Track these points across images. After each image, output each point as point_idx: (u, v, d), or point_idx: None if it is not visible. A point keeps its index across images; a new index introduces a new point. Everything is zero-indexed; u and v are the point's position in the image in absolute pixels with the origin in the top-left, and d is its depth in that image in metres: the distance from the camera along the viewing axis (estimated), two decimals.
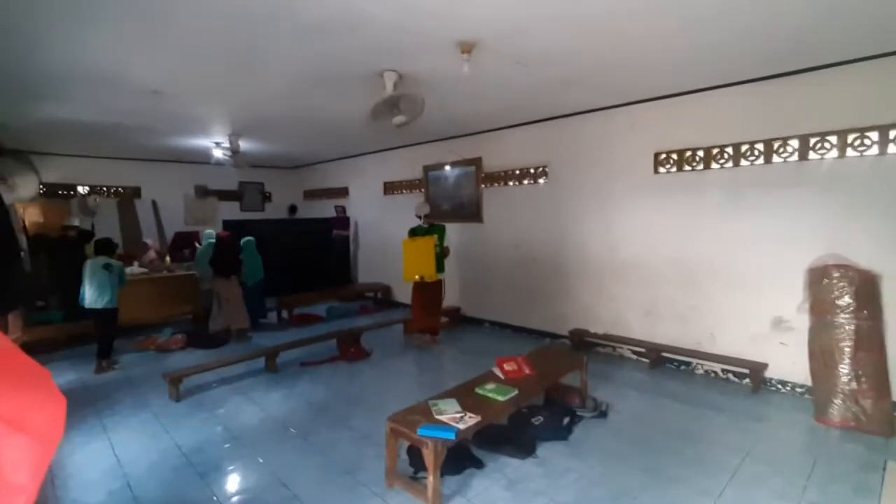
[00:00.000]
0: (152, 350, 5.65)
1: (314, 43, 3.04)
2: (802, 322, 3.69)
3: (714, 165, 4.32)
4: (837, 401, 3.32)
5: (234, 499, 2.66)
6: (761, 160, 4.04)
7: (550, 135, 5.55)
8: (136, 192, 8.60)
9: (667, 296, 4.69)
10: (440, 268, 5.47)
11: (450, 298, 6.88)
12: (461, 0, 2.47)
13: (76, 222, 6.74)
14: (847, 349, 3.31)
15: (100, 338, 5.02)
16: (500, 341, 5.82)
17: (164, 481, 2.81)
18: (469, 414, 2.66)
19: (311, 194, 10.28)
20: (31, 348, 5.31)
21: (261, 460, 3.06)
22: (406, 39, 2.99)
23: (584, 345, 5.25)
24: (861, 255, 3.47)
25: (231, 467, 3.00)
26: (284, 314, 7.07)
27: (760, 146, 4.03)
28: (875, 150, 3.49)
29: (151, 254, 7.48)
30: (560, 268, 5.57)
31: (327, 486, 2.73)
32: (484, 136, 6.28)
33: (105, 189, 8.30)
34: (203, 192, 9.35)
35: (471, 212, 6.53)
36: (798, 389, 3.92)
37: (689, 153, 4.46)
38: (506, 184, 6.13)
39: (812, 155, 3.78)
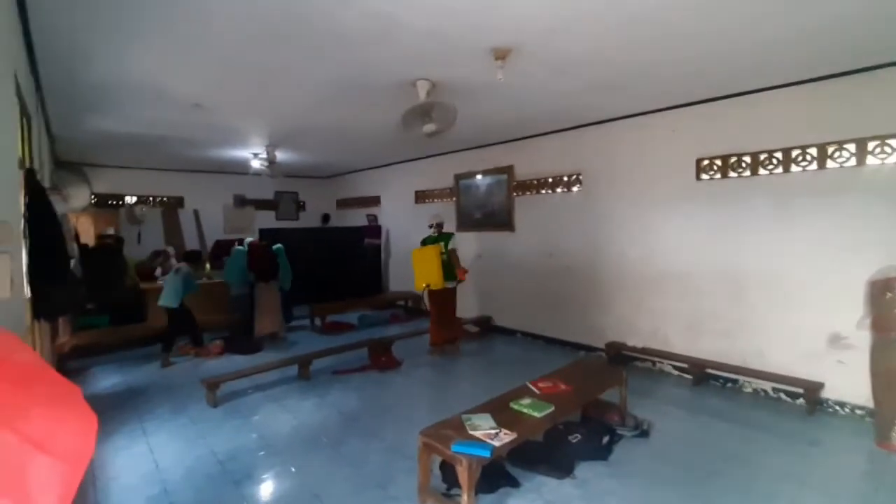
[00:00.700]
0: (192, 356, 5.80)
1: (347, 53, 3.07)
2: (863, 339, 3.42)
3: (762, 171, 4.10)
4: None
5: None
6: (814, 165, 3.80)
7: (585, 142, 5.42)
8: (180, 201, 8.95)
9: (710, 309, 4.46)
10: (449, 276, 5.42)
11: (480, 307, 6.82)
12: (495, 6, 2.43)
13: (112, 231, 7.03)
14: None
15: (167, 334, 5.50)
16: (533, 352, 5.69)
17: (200, 488, 2.84)
18: (504, 430, 2.57)
19: (343, 203, 10.44)
20: (78, 351, 5.59)
21: (293, 470, 3.05)
22: (439, 47, 2.97)
23: (622, 358, 5.06)
24: None
25: (264, 476, 3.00)
26: (317, 321, 7.14)
27: (813, 150, 3.79)
28: None
29: (172, 262, 7.72)
30: (595, 278, 5.41)
31: (359, 500, 2.69)
32: (516, 143, 6.21)
33: (151, 199, 8.67)
34: (241, 201, 9.64)
35: (502, 220, 6.45)
36: (858, 411, 3.63)
37: (734, 159, 4.25)
38: (538, 192, 6.03)
39: (871, 160, 3.53)
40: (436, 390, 4.64)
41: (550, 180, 5.85)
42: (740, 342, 4.27)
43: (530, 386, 3.26)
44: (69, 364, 5.38)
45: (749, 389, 4.27)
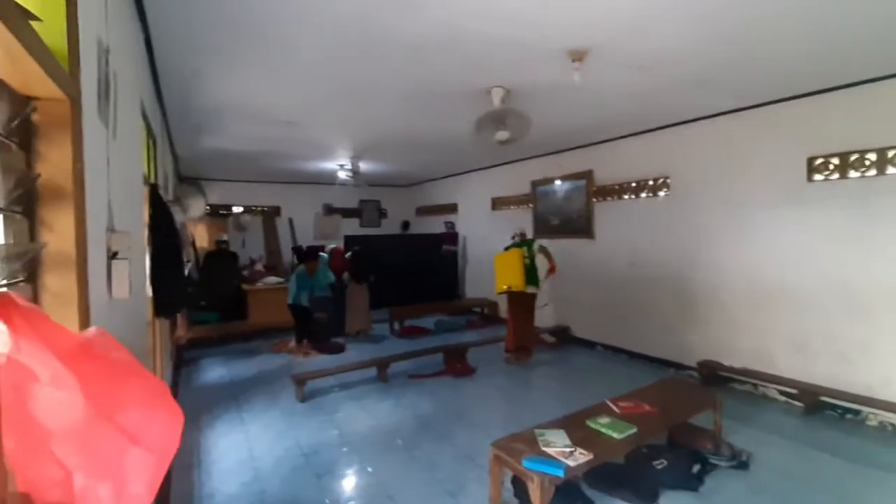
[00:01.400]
0: (284, 353, 6.28)
1: (422, 64, 3.15)
2: None
3: (891, 170, 3.52)
4: None
5: None
6: None
7: (672, 143, 5.05)
8: (277, 210, 9.79)
9: (825, 328, 3.91)
10: (532, 280, 5.37)
11: (557, 317, 6.61)
12: (568, 7, 2.36)
13: (226, 237, 7.83)
14: None
15: (297, 328, 6.19)
16: (614, 367, 5.38)
17: (286, 478, 3.05)
18: (580, 450, 2.46)
19: (422, 210, 10.72)
20: (193, 344, 6.31)
21: (370, 469, 3.17)
22: (512, 53, 2.95)
23: (717, 379, 4.60)
24: None
25: (343, 472, 3.15)
26: (396, 325, 7.38)
27: None
28: None
29: (258, 266, 8.44)
30: (685, 290, 4.99)
31: None
32: (595, 147, 5.95)
33: (254, 208, 9.59)
34: (329, 210, 10.30)
35: (581, 227, 6.21)
36: None
37: (855, 156, 3.71)
38: (620, 197, 5.72)
39: None
40: (509, 400, 4.57)
41: (633, 185, 5.52)
42: (863, 367, 3.69)
43: (610, 404, 3.09)
44: (185, 355, 6.10)
45: (874, 423, 3.67)
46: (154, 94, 3.47)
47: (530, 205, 7.12)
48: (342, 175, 7.40)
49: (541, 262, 5.51)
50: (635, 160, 5.47)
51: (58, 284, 1.04)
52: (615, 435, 2.64)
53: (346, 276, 6.90)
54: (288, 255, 9.44)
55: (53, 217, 1.03)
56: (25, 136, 1.01)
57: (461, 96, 3.83)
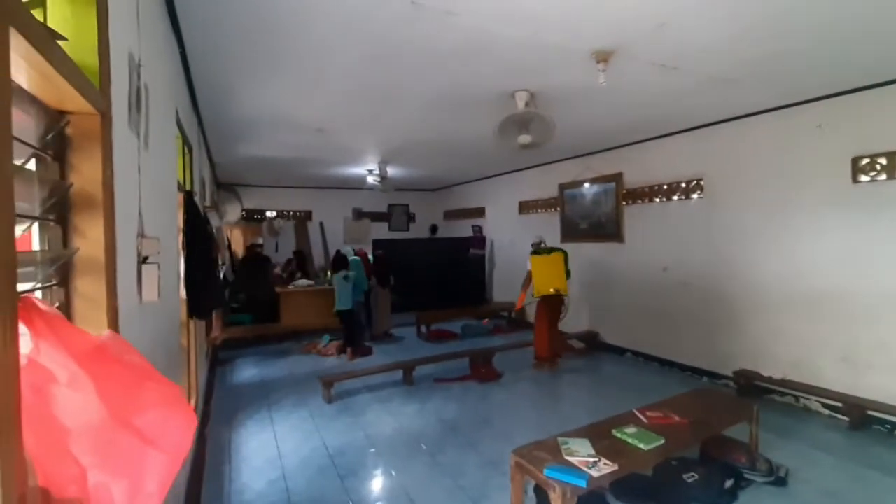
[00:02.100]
0: (314, 354, 6.41)
1: (447, 70, 3.17)
2: None
3: None
4: None
5: None
6: None
7: (706, 144, 4.87)
8: (309, 215, 10.03)
9: (875, 338, 3.67)
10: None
11: (586, 322, 6.48)
12: (593, 8, 2.32)
13: (261, 240, 8.07)
14: None
15: (346, 332, 6.20)
16: (644, 375, 5.23)
17: (311, 478, 3.11)
18: (604, 460, 2.39)
19: (450, 214, 10.74)
20: (228, 345, 6.53)
21: (393, 473, 3.19)
22: (536, 56, 2.92)
23: (754, 390, 4.40)
24: None
25: (367, 474, 3.18)
26: (423, 329, 7.42)
27: None
28: None
29: (276, 270, 8.66)
30: (720, 296, 4.79)
31: None
32: (624, 149, 5.82)
33: (286, 213, 9.86)
34: (359, 214, 10.48)
35: (610, 231, 6.07)
36: None
37: None
38: (651, 200, 5.55)
39: None
40: (535, 407, 4.50)
41: (665, 187, 5.35)
42: None
43: (637, 414, 2.99)
44: (221, 355, 6.33)
45: None
46: (190, 104, 3.62)
47: (558, 208, 7.02)
48: (371, 180, 7.52)
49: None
50: (667, 162, 5.31)
51: (88, 288, 1.10)
52: (642, 446, 2.56)
53: (372, 279, 7.03)
54: (319, 259, 9.66)
55: (85, 224, 1.09)
56: (60, 148, 1.07)
57: (487, 101, 3.82)
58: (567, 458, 2.41)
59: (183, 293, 2.83)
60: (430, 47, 2.79)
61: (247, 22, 2.44)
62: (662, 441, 2.60)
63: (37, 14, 1.00)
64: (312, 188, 9.84)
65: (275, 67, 3.09)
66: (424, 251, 9.13)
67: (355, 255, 6.96)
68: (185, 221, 2.84)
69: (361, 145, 5.80)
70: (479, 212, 9.43)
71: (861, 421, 3.69)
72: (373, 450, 3.49)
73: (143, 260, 1.43)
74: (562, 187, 6.89)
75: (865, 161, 3.69)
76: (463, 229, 9.88)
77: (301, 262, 8.69)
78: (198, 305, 2.99)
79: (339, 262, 6.28)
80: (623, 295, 5.97)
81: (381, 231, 10.60)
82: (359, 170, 7.49)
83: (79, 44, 1.08)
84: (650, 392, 4.26)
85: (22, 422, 0.65)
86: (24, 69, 0.84)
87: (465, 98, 3.79)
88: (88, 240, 1.09)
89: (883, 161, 3.59)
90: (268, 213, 9.72)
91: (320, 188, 9.88)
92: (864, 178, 3.71)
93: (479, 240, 9.18)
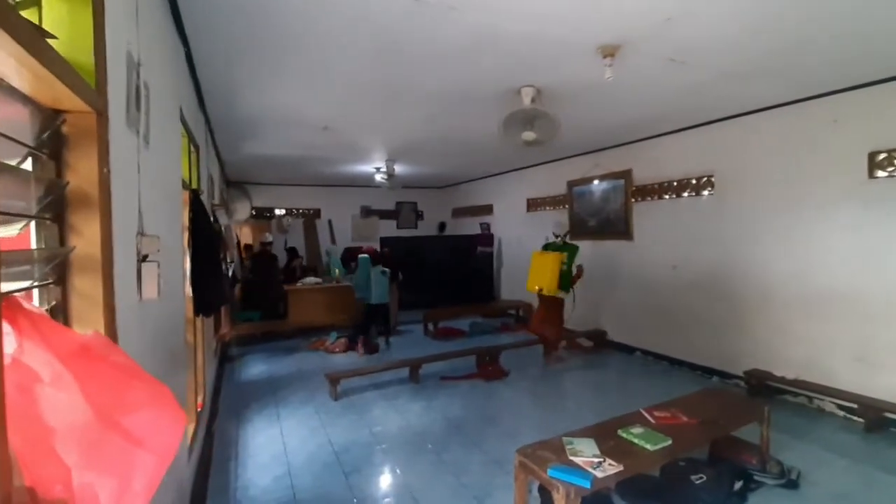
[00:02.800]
0: (321, 351, 6.45)
1: (452, 66, 3.14)
2: None
3: None
4: None
5: None
6: None
7: (717, 139, 4.79)
8: (317, 213, 10.08)
9: (892, 338, 3.58)
10: (564, 286, 5.42)
11: (594, 321, 6.42)
12: (597, 1, 2.27)
13: (270, 238, 8.12)
14: None
15: (384, 324, 6.59)
16: (653, 374, 5.17)
17: (316, 475, 3.12)
18: (609, 460, 2.36)
19: (458, 212, 10.72)
20: (236, 341, 6.60)
21: (398, 471, 3.19)
22: (541, 52, 2.89)
23: (766, 390, 4.32)
24: None
25: (371, 472, 3.19)
26: (430, 326, 7.41)
27: None
28: None
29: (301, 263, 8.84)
30: (731, 294, 4.71)
31: None
32: (634, 146, 5.74)
33: (295, 211, 9.92)
34: (367, 212, 10.50)
35: (619, 228, 6.00)
36: None
37: None
38: (660, 197, 5.48)
39: None
40: (541, 405, 4.48)
41: (675, 184, 5.27)
42: None
43: (644, 413, 2.95)
44: (230, 351, 6.39)
45: None
46: (197, 103, 3.65)
47: (566, 206, 6.96)
48: (378, 177, 7.52)
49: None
50: (677, 158, 5.23)
51: (85, 286, 1.10)
52: (648, 446, 2.52)
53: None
54: (326, 256, 9.70)
55: (81, 222, 1.09)
56: (56, 146, 1.07)
57: (493, 97, 3.79)
58: (571, 458, 2.39)
59: (189, 291, 2.85)
60: (433, 43, 2.77)
61: (250, 20, 2.44)
62: (669, 442, 2.56)
63: (31, 14, 1.01)
64: (321, 186, 9.88)
65: (279, 66, 3.10)
66: (432, 249, 9.13)
67: (363, 253, 6.98)
68: (191, 220, 2.86)
69: (368, 143, 5.80)
70: (487, 209, 9.39)
71: (877, 423, 3.60)
72: (375, 448, 3.49)
73: (142, 258, 1.44)
74: (570, 184, 6.83)
75: (883, 156, 3.59)
76: (471, 227, 9.86)
77: (292, 259, 8.74)
78: (203, 303, 3.02)
79: (376, 259, 6.63)
80: (632, 293, 5.90)
81: (390, 229, 10.61)
82: (366, 167, 7.50)
83: (74, 43, 1.08)
84: (659, 391, 4.21)
85: (7, 421, 0.65)
86: (15, 68, 0.84)
87: (471, 94, 3.77)
88: (85, 238, 1.09)
89: None
90: (277, 211, 9.78)
91: (329, 186, 9.92)
92: (881, 173, 3.61)
93: (486, 237, 9.15)
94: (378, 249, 7.30)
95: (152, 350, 1.69)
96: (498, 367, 5.28)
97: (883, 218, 3.60)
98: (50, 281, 1.05)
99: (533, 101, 3.48)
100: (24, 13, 0.97)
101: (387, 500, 2.85)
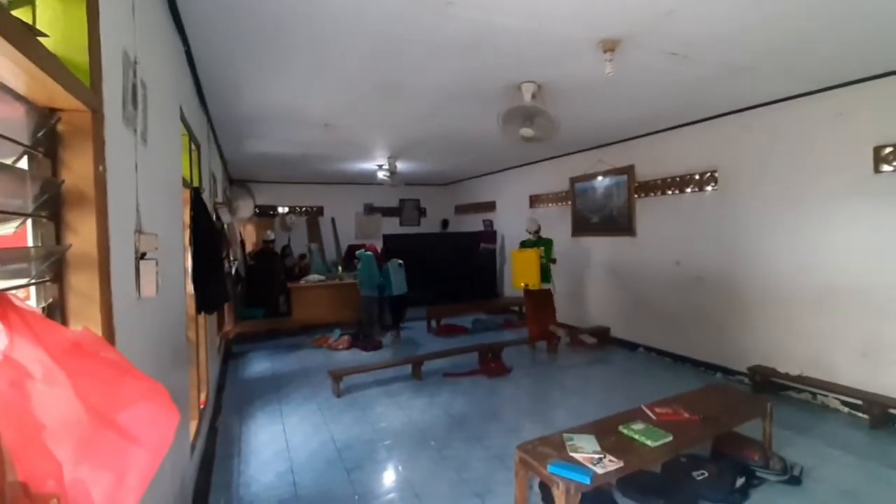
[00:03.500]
0: (325, 348, 6.47)
1: (452, 62, 3.13)
2: None
3: None
4: None
5: (372, 502, 2.81)
6: None
7: (720, 134, 4.75)
8: (320, 210, 10.10)
9: None
10: (546, 278, 5.79)
11: (597, 318, 6.41)
12: None
13: (272, 235, 8.14)
14: None
15: (401, 315, 6.89)
16: (656, 370, 5.15)
17: (318, 471, 3.14)
18: (609, 457, 2.36)
19: (461, 209, 10.71)
20: (240, 339, 6.63)
21: (400, 467, 3.20)
22: (541, 47, 2.87)
23: (770, 386, 4.30)
24: None
25: (373, 468, 3.20)
26: (433, 323, 7.42)
27: None
28: None
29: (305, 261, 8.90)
30: (734, 290, 4.69)
31: None
32: (637, 141, 5.71)
33: (298, 209, 9.94)
34: (370, 209, 10.51)
35: (622, 224, 5.98)
36: None
37: None
38: (663, 193, 5.45)
39: None
40: (543, 401, 4.48)
41: (678, 179, 5.24)
42: None
43: (645, 410, 2.94)
44: (234, 348, 6.42)
45: None
46: (198, 101, 3.66)
47: (569, 202, 6.94)
48: (381, 175, 7.52)
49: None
50: (680, 154, 5.20)
51: (82, 284, 1.11)
52: (649, 442, 2.52)
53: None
54: (330, 254, 9.73)
55: (77, 220, 1.10)
56: (51, 145, 1.08)
57: (494, 93, 3.77)
58: (572, 454, 2.39)
59: (190, 288, 2.87)
60: (432, 39, 2.76)
61: (249, 19, 2.44)
62: (670, 438, 2.56)
63: (25, 13, 1.01)
64: (324, 184, 9.89)
65: (278, 63, 3.10)
66: (435, 246, 9.13)
67: (366, 250, 7.00)
68: (192, 218, 2.88)
69: (369, 140, 5.80)
70: (490, 206, 9.37)
71: (882, 419, 3.58)
72: (377, 445, 3.50)
73: (140, 256, 1.45)
74: (573, 181, 6.80)
75: (888, 150, 3.55)
76: (474, 224, 9.84)
77: (283, 256, 8.78)
78: (205, 301, 3.03)
79: (391, 254, 7.02)
80: (635, 289, 5.88)
81: (393, 226, 10.62)
82: (369, 165, 7.50)
83: (68, 42, 1.08)
84: (662, 388, 4.19)
85: (0, 417, 0.65)
86: (8, 67, 0.84)
87: (472, 91, 3.75)
88: (81, 236, 1.10)
89: None
90: (280, 209, 9.81)
91: (332, 184, 9.93)
92: (886, 167, 3.57)
93: (489, 234, 9.13)
94: (378, 248, 7.35)
95: (152, 347, 1.70)
96: (500, 364, 5.29)
97: (888, 213, 3.56)
98: (47, 278, 1.06)
99: (534, 96, 3.47)
100: (18, 12, 0.98)
101: (388, 496, 2.87)
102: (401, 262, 6.87)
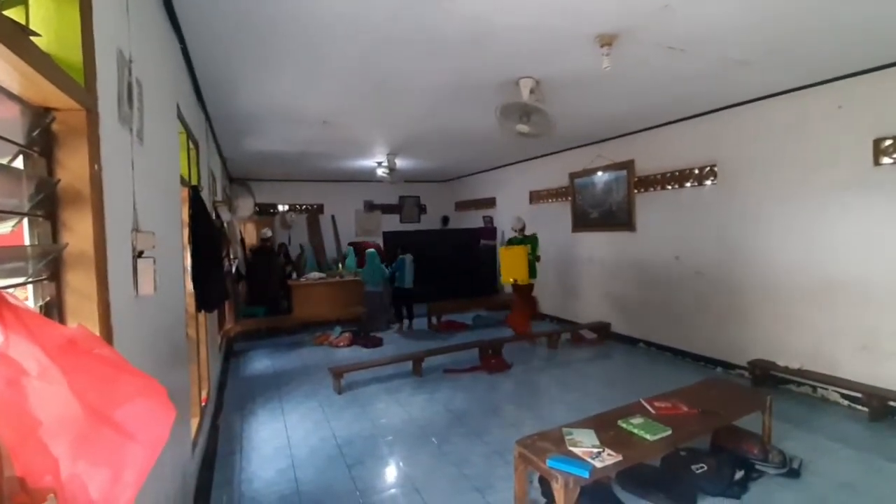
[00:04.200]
0: (325, 345, 6.48)
1: (450, 58, 3.13)
2: None
3: None
4: None
5: (373, 497, 2.83)
6: None
7: (719, 128, 4.74)
8: (321, 208, 10.10)
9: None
10: (533, 274, 5.98)
11: (597, 313, 6.42)
12: None
13: (269, 233, 8.15)
14: None
15: (410, 308, 7.15)
16: (656, 365, 5.16)
17: (319, 468, 3.16)
18: (608, 451, 2.37)
19: (461, 205, 10.70)
20: (242, 337, 6.65)
21: (400, 463, 3.22)
22: (538, 42, 2.87)
23: (770, 380, 4.31)
24: None
25: (374, 464, 3.22)
26: (434, 320, 7.43)
27: None
28: None
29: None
30: (734, 284, 4.69)
31: (456, 502, 2.72)
32: (636, 136, 5.70)
33: (298, 206, 9.94)
34: (370, 206, 10.51)
35: (622, 219, 5.98)
36: None
37: None
38: (663, 188, 5.44)
39: None
40: (543, 397, 4.49)
41: (678, 174, 5.23)
42: None
43: (644, 404, 2.95)
44: (235, 346, 6.44)
45: None
46: (195, 99, 3.65)
47: (568, 198, 6.93)
48: (380, 172, 7.52)
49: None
50: (679, 148, 5.19)
51: (79, 282, 1.12)
52: (648, 436, 2.53)
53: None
54: (331, 251, 9.74)
55: (73, 219, 1.10)
56: (46, 144, 1.08)
57: (492, 89, 3.77)
58: (571, 448, 2.40)
59: (190, 287, 2.88)
60: (429, 35, 2.75)
61: (245, 16, 2.43)
62: (669, 431, 2.57)
63: (18, 13, 1.01)
64: (323, 181, 9.89)
65: (275, 60, 3.09)
66: (436, 242, 9.12)
67: (368, 248, 7.06)
68: (191, 216, 2.88)
69: (368, 137, 5.79)
70: (490, 202, 9.37)
71: (882, 411, 3.58)
72: (378, 441, 3.51)
73: (138, 254, 1.45)
74: (572, 176, 6.79)
75: (888, 142, 3.54)
76: (474, 220, 9.84)
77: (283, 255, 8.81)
78: (205, 299, 3.04)
79: (405, 249, 7.20)
80: (635, 284, 5.88)
81: (393, 223, 10.62)
82: (368, 162, 7.50)
83: (61, 41, 1.09)
84: (662, 382, 4.20)
85: None
86: (1, 67, 0.84)
87: (470, 87, 3.75)
88: (77, 234, 1.11)
89: None
90: (280, 207, 9.81)
91: (331, 181, 9.92)
92: (886, 160, 3.57)
93: (489, 231, 9.13)
94: (377, 246, 7.45)
95: (151, 345, 1.71)
96: (501, 360, 5.30)
97: (888, 205, 3.56)
98: (44, 277, 1.07)
99: (532, 92, 3.46)
100: (11, 12, 0.98)
101: (389, 491, 2.88)
102: (414, 258, 7.10)
